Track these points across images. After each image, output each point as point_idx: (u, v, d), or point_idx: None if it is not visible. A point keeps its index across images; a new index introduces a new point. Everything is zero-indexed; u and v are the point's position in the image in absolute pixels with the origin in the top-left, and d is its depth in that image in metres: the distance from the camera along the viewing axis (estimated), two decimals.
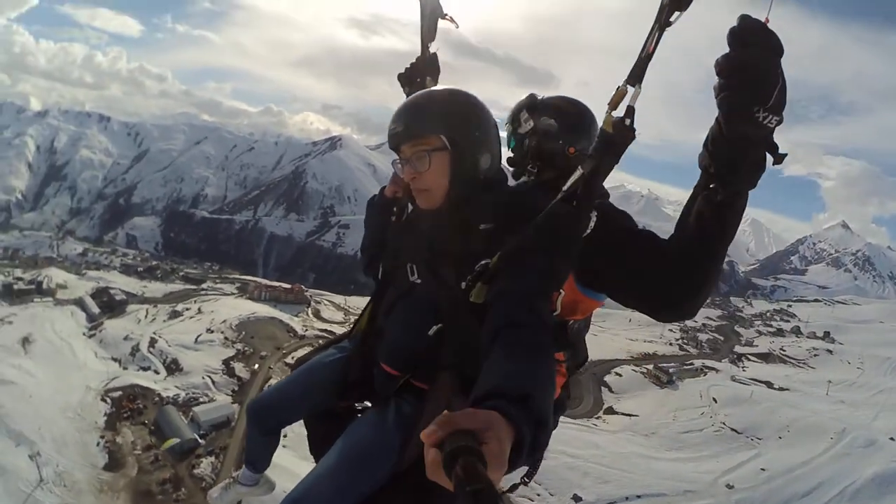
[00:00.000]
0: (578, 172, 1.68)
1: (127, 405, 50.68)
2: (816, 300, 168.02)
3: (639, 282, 1.80)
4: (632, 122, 1.58)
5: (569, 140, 2.35)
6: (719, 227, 1.61)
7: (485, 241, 1.74)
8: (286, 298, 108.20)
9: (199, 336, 69.58)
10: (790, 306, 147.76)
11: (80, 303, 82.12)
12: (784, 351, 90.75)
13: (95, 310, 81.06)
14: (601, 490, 41.57)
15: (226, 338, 70.21)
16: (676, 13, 1.45)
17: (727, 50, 1.43)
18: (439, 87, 2.16)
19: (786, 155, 1.50)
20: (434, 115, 1.85)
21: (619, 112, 1.59)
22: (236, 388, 57.97)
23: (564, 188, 1.73)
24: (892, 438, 47.87)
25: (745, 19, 1.41)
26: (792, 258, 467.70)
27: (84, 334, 69.96)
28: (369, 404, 2.23)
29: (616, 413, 58.04)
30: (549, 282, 1.61)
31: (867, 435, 48.93)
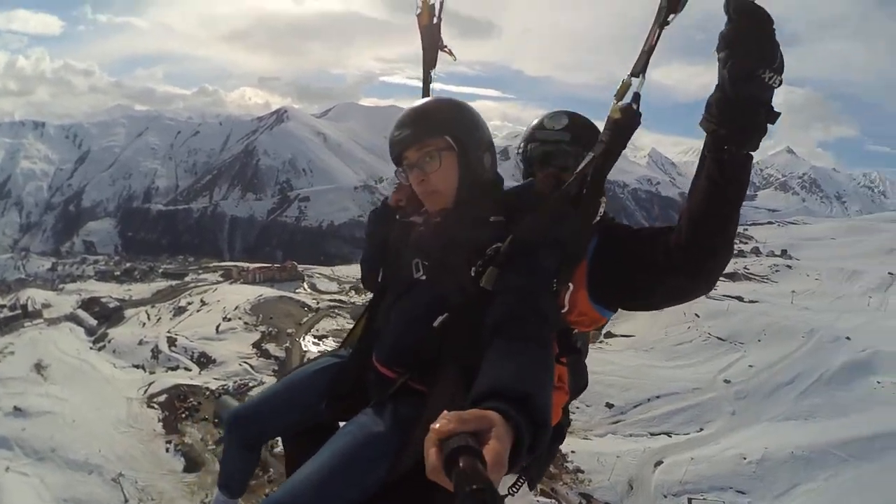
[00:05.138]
0: (589, 157, 1.77)
1: (180, 405, 48.75)
2: (770, 222, 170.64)
3: (658, 270, 1.79)
4: (638, 106, 1.69)
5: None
6: (734, 188, 1.59)
7: (496, 231, 1.72)
8: (281, 277, 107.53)
9: (218, 326, 68.06)
10: (746, 229, 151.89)
11: (73, 318, 77.58)
12: (748, 269, 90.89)
13: (92, 322, 76.80)
14: (626, 396, 47.21)
15: (245, 323, 68.79)
16: (672, 15, 1.59)
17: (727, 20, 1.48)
18: (428, 98, 2.16)
19: (780, 114, 1.52)
20: (437, 118, 1.88)
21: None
22: (276, 368, 56.70)
23: (576, 172, 1.81)
24: (847, 338, 52.77)
25: None
26: None
27: (91, 348, 66.61)
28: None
29: (616, 336, 61.10)
30: (555, 275, 1.63)
31: (832, 333, 53.98)
